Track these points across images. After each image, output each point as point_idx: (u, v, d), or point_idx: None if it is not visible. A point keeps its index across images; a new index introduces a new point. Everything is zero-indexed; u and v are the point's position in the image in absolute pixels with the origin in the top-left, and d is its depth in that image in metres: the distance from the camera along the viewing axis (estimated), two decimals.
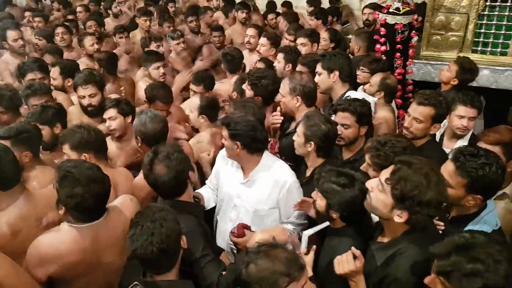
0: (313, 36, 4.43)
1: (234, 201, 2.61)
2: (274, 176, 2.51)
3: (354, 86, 3.59)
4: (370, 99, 3.23)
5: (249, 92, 3.30)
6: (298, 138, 2.60)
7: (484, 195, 1.99)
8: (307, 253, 1.98)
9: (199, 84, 3.85)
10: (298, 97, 2.98)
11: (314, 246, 2.03)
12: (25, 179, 2.58)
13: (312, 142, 2.53)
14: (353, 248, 1.89)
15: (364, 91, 3.60)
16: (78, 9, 7.50)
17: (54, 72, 4.02)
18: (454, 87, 3.50)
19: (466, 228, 2.01)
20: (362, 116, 2.72)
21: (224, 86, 4.06)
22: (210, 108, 3.28)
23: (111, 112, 3.13)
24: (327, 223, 2.13)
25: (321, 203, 2.08)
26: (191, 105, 3.34)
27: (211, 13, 6.72)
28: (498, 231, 2.04)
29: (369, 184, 1.89)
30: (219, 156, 2.82)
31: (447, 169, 2.01)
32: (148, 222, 1.78)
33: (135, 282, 1.72)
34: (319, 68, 3.25)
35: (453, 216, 2.14)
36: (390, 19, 3.98)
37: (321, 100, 3.56)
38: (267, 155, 2.60)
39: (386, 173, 1.82)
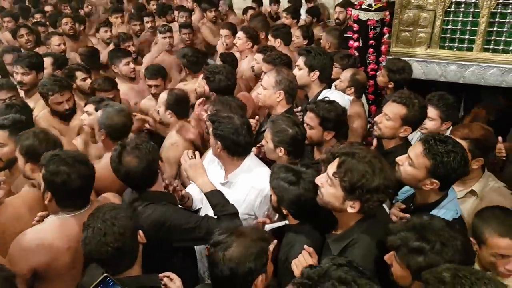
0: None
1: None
2: (252, 182, 2.49)
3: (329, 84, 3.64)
4: (346, 97, 3.30)
5: (206, 87, 3.32)
6: (267, 144, 2.58)
7: (442, 182, 2.06)
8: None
9: (156, 78, 3.89)
10: (281, 91, 2.97)
11: (275, 241, 2.07)
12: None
13: (282, 148, 2.50)
14: (305, 246, 1.92)
15: (335, 87, 3.67)
16: (47, 8, 7.39)
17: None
18: (395, 89, 3.57)
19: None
20: (325, 120, 2.66)
21: (188, 87, 4.04)
22: (178, 104, 3.25)
23: (89, 107, 3.16)
24: (283, 223, 2.18)
25: (273, 198, 2.14)
26: (159, 100, 3.34)
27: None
28: (458, 220, 2.11)
29: (318, 180, 1.93)
30: (209, 153, 2.80)
31: (415, 150, 2.09)
32: (99, 223, 1.78)
33: (105, 274, 1.71)
34: (300, 62, 3.24)
35: (415, 205, 2.21)
36: (363, 15, 4.08)
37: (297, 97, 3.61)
38: (251, 159, 2.57)
39: (332, 167, 1.87)
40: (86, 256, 1.82)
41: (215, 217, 2.23)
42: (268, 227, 2.15)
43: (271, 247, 1.77)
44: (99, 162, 2.81)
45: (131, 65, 4.26)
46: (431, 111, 2.83)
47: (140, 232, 1.91)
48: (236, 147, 2.45)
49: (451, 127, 2.89)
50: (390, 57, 4.33)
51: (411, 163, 2.08)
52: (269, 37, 4.56)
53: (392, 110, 2.62)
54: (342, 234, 1.94)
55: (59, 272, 2.10)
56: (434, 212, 2.07)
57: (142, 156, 2.16)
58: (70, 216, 2.11)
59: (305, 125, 2.65)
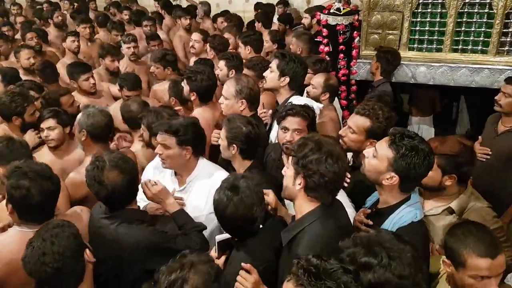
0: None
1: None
2: (210, 180, 2.49)
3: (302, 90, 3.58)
4: (315, 105, 3.25)
5: (185, 87, 3.30)
6: (222, 142, 2.57)
7: (402, 179, 2.02)
8: (218, 257, 2.01)
9: (136, 89, 3.90)
10: (243, 100, 2.93)
11: (227, 252, 2.04)
12: None
13: (235, 145, 2.50)
14: (242, 264, 1.87)
15: (307, 93, 3.62)
16: (19, 19, 7.27)
17: None
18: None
19: (388, 219, 2.07)
20: (313, 122, 2.66)
21: (163, 86, 4.06)
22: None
23: (50, 122, 3.10)
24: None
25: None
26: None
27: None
28: (417, 224, 2.05)
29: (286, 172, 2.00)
30: (149, 168, 2.74)
31: (382, 142, 2.08)
32: (39, 242, 1.72)
33: None
34: (273, 65, 3.20)
35: (377, 208, 2.19)
36: (331, 20, 4.05)
37: (268, 102, 3.55)
38: (202, 160, 2.58)
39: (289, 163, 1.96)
40: (28, 276, 1.76)
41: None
42: (218, 238, 2.09)
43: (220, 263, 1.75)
44: (81, 168, 2.77)
45: (91, 80, 4.16)
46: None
47: (87, 250, 1.86)
48: (201, 145, 2.52)
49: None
50: (360, 61, 4.32)
51: (376, 154, 2.07)
52: (239, 44, 4.50)
53: (356, 122, 2.56)
54: (294, 223, 1.97)
55: (15, 286, 2.07)
56: (393, 214, 2.06)
57: (126, 172, 2.12)
58: (31, 231, 2.05)
59: (290, 132, 2.57)
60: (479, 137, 3.41)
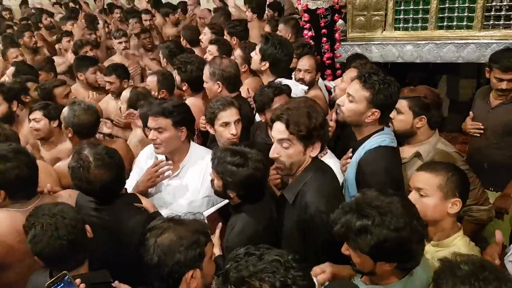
0: None
1: (165, 199, 2.54)
2: (204, 164, 2.49)
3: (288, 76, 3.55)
4: (300, 87, 3.24)
5: (177, 78, 3.32)
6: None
7: (382, 111, 2.20)
8: (212, 232, 1.99)
9: (110, 74, 3.96)
10: (218, 82, 2.96)
11: (220, 224, 2.05)
12: None
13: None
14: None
15: (294, 77, 3.61)
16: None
17: None
18: None
19: (361, 146, 2.25)
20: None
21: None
22: (139, 101, 3.23)
23: (36, 114, 3.16)
24: (226, 201, 2.17)
25: (218, 183, 2.09)
26: (122, 98, 3.37)
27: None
28: (384, 148, 2.20)
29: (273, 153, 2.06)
30: (142, 155, 2.73)
31: (353, 86, 2.23)
32: (48, 219, 1.72)
33: (64, 272, 1.65)
34: (257, 47, 3.23)
35: (357, 140, 2.34)
36: (311, 4, 4.02)
37: (254, 87, 3.52)
38: (195, 145, 2.59)
39: (280, 133, 2.02)
40: (37, 256, 1.77)
41: None
42: (206, 213, 2.11)
43: (215, 237, 1.76)
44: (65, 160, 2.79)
45: (98, 74, 4.26)
46: None
47: (87, 226, 1.87)
48: (193, 127, 2.54)
49: None
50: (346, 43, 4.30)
51: (352, 99, 2.21)
52: (225, 34, 4.51)
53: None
54: (293, 182, 2.08)
55: (10, 264, 2.12)
56: (366, 142, 2.24)
57: (113, 166, 2.11)
58: (18, 211, 2.12)
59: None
60: (470, 112, 3.33)
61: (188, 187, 2.49)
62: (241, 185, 2.03)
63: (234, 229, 2.03)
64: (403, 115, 2.47)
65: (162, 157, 2.60)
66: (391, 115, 2.39)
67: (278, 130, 2.00)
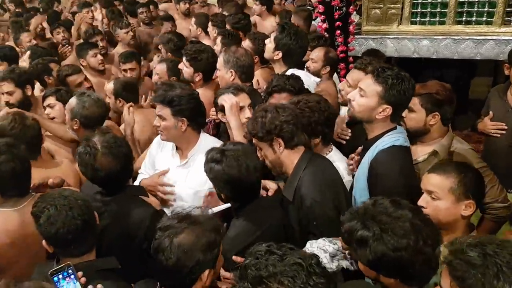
0: None
1: (172, 188, 2.49)
2: None
3: (301, 67, 3.48)
4: (312, 79, 3.17)
5: (187, 70, 3.20)
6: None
7: (394, 108, 2.10)
8: None
9: (131, 60, 3.96)
10: (232, 70, 2.89)
11: (224, 225, 1.98)
12: None
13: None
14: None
15: (307, 68, 3.53)
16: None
17: None
18: None
19: (373, 146, 2.15)
20: (301, 93, 2.57)
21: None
22: (126, 91, 3.26)
23: (50, 100, 3.12)
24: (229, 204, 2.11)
25: (213, 185, 2.08)
26: (107, 90, 3.32)
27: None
28: (398, 147, 2.12)
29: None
30: (154, 142, 2.70)
31: (365, 81, 2.15)
32: (61, 201, 1.70)
33: (68, 262, 1.62)
34: (273, 35, 3.16)
35: (367, 140, 2.26)
36: None
37: (265, 78, 3.49)
38: (204, 135, 2.54)
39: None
40: (50, 240, 1.72)
41: None
42: (218, 208, 2.08)
43: None
44: None
45: (99, 56, 4.22)
46: None
47: (95, 212, 1.84)
48: (201, 118, 2.49)
49: None
50: (361, 37, 4.19)
51: (363, 93, 2.13)
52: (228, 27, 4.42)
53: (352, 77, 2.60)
54: (289, 179, 2.09)
55: (4, 266, 2.09)
56: (378, 141, 2.15)
57: (121, 154, 2.07)
58: (11, 210, 2.09)
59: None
60: (490, 112, 3.19)
61: (195, 177, 2.44)
62: (224, 184, 1.98)
63: (228, 235, 1.98)
64: (415, 113, 2.37)
65: (170, 144, 2.57)
66: (403, 114, 2.30)
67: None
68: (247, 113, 2.52)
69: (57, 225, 1.67)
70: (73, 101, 2.82)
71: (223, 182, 1.97)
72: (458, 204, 1.81)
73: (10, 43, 5.41)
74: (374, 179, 2.12)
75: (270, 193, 2.22)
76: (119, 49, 4.91)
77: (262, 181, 2.16)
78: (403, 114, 2.32)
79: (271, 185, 2.25)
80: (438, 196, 1.83)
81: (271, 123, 2.02)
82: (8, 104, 3.26)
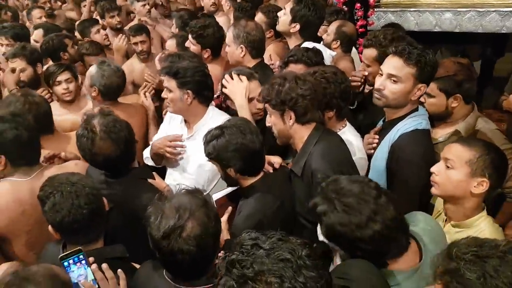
0: None
1: (178, 160, 2.49)
2: None
3: (317, 40, 3.39)
4: (328, 52, 3.09)
5: (195, 48, 3.12)
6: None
7: (428, 84, 2.09)
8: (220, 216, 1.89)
9: (141, 33, 3.89)
10: (242, 46, 2.81)
11: (230, 208, 1.97)
12: None
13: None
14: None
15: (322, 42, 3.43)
16: None
17: None
18: None
19: (394, 128, 2.13)
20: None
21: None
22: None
23: (66, 74, 3.09)
24: (232, 189, 2.11)
25: (217, 167, 2.04)
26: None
27: None
28: (421, 131, 2.09)
29: (268, 123, 2.09)
30: (166, 116, 2.71)
31: (394, 64, 2.05)
32: (68, 187, 1.65)
33: (79, 247, 1.59)
34: (287, 7, 3.07)
35: (386, 120, 2.25)
36: None
37: (277, 53, 3.42)
38: (213, 109, 2.51)
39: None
40: (56, 226, 1.69)
41: None
42: (215, 197, 2.05)
43: (223, 221, 1.72)
44: None
45: (102, 32, 4.20)
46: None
47: (104, 199, 1.81)
48: (207, 91, 2.43)
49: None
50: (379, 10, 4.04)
51: (396, 79, 2.05)
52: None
53: (365, 55, 2.54)
54: (299, 154, 2.04)
55: (16, 235, 2.11)
56: (399, 123, 2.12)
57: (119, 140, 1.99)
58: (21, 180, 2.10)
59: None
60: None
61: (200, 150, 2.39)
62: (229, 157, 1.94)
63: (241, 214, 1.97)
64: (434, 98, 2.29)
65: (178, 117, 2.57)
66: (421, 99, 2.23)
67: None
68: (258, 103, 2.44)
69: (63, 213, 1.63)
70: (93, 69, 2.88)
71: (230, 152, 1.92)
72: (470, 179, 1.74)
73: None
74: (394, 163, 2.07)
75: (276, 166, 2.17)
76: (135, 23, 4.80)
77: (266, 156, 2.12)
78: (422, 99, 2.24)
79: (276, 159, 2.20)
80: (453, 165, 1.77)
81: (287, 93, 1.96)
82: (19, 81, 3.24)
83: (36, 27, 4.30)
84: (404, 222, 1.48)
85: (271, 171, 2.14)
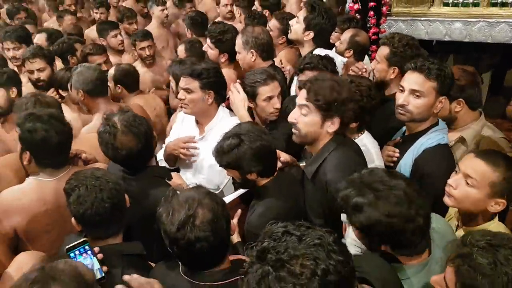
0: None
1: (191, 161, 2.56)
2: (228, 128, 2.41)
3: (330, 47, 3.47)
4: (339, 59, 3.16)
5: (212, 52, 3.21)
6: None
7: (448, 96, 2.17)
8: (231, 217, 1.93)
9: (148, 38, 4.06)
10: (252, 50, 2.90)
11: (239, 211, 2.01)
12: None
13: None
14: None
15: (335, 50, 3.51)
16: None
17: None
18: None
19: (416, 142, 2.18)
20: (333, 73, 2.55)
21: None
22: (126, 77, 3.39)
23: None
24: (243, 190, 2.15)
25: (234, 174, 2.06)
26: (108, 76, 3.40)
27: None
28: (444, 146, 2.16)
29: (291, 117, 2.03)
30: (178, 118, 2.77)
31: (415, 79, 2.10)
32: (92, 181, 1.71)
33: (85, 239, 1.66)
34: (300, 15, 3.12)
35: (407, 134, 2.30)
36: None
37: (289, 59, 3.51)
38: (223, 109, 2.57)
39: (301, 97, 1.97)
40: (78, 218, 1.74)
41: None
42: (227, 200, 2.08)
43: (234, 223, 1.77)
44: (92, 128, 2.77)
45: (119, 37, 4.31)
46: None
47: (126, 195, 1.86)
48: (224, 91, 2.51)
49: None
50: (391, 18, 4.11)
51: (419, 93, 2.11)
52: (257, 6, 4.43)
53: (377, 52, 2.60)
54: (314, 157, 2.05)
55: (36, 234, 2.12)
56: (421, 138, 2.17)
57: (140, 134, 2.05)
58: (48, 180, 2.12)
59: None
60: None
61: (210, 150, 2.48)
62: (251, 161, 1.97)
63: (255, 212, 2.01)
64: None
65: (191, 118, 2.62)
66: None
67: (300, 96, 2.01)
68: (276, 102, 2.51)
69: (86, 206, 1.69)
70: (77, 74, 2.87)
71: (252, 158, 1.96)
72: (490, 199, 1.74)
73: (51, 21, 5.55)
74: (418, 177, 2.10)
75: (282, 159, 2.23)
76: (151, 28, 4.91)
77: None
78: None
79: (283, 155, 2.24)
80: (475, 184, 1.74)
81: (343, 103, 1.95)
82: (38, 80, 3.35)
83: (39, 31, 4.46)
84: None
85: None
